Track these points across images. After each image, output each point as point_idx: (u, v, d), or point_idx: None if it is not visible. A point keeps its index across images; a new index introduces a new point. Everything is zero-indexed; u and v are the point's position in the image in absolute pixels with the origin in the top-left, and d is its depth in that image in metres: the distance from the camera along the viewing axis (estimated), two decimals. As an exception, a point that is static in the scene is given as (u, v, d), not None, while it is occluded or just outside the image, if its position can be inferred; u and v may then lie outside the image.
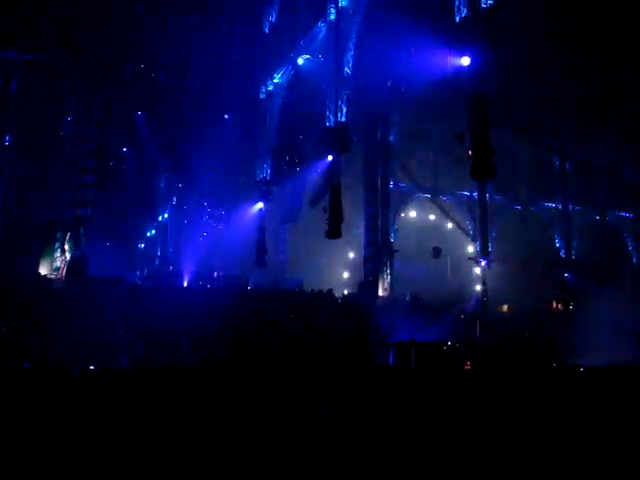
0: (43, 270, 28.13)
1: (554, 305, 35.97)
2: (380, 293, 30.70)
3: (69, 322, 24.24)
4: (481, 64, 17.92)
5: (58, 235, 28.71)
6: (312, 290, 30.01)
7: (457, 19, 19.08)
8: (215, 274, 32.66)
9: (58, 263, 28.30)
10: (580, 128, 33.35)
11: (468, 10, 18.36)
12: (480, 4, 17.94)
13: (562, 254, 37.75)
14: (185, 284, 31.05)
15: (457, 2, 18.79)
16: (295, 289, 31.42)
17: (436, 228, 38.64)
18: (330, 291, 29.99)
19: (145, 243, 37.24)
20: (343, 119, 24.95)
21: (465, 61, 18.52)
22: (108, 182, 32.07)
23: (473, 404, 8.76)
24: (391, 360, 26.12)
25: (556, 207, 38.99)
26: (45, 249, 28.48)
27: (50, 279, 27.42)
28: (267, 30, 32.52)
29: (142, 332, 24.38)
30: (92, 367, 13.86)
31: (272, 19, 31.73)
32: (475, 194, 36.10)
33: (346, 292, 33.16)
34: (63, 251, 28.59)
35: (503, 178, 32.01)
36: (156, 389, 9.80)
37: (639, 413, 7.64)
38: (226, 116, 34.57)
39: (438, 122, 31.24)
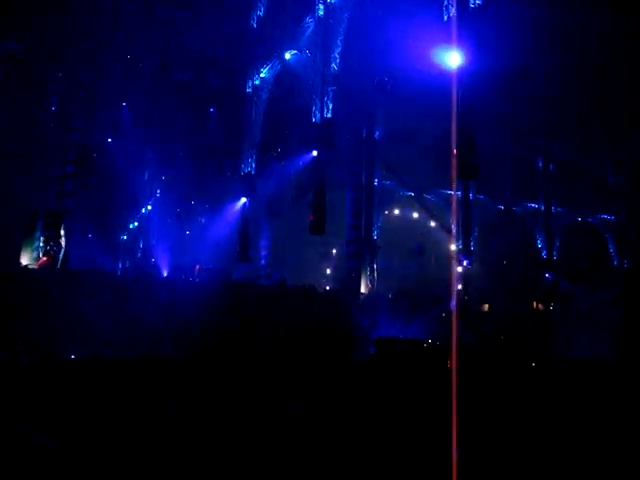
0: (24, 260, 27.91)
1: (534, 305, 36.16)
2: (363, 290, 30.72)
3: (49, 313, 24.14)
4: (469, 64, 17.97)
5: (40, 226, 28.47)
6: (295, 286, 30.01)
7: (445, 18, 19.13)
8: (197, 267, 32.57)
9: (39, 254, 28.08)
10: (564, 130, 33.57)
11: (456, 9, 18.39)
12: (468, 3, 17.99)
13: (544, 254, 37.96)
14: (165, 275, 30.97)
15: (445, 1, 18.82)
16: (277, 284, 31.40)
17: (420, 226, 38.74)
18: (312, 287, 30.00)
19: (127, 235, 37.02)
20: (329, 115, 24.93)
21: (454, 60, 18.57)
22: (91, 173, 31.84)
23: (453, 399, 8.79)
24: (372, 356, 26.20)
25: (539, 208, 39.22)
26: (26, 240, 28.23)
27: (31, 270, 27.19)
28: (255, 24, 32.38)
29: (123, 324, 24.31)
30: (73, 357, 13.77)
31: (260, 13, 31.60)
32: (459, 193, 36.21)
33: (328, 288, 33.16)
34: (45, 242, 28.36)
35: (487, 178, 32.23)
36: (132, 378, 9.75)
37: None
38: (211, 109, 34.41)
39: (424, 120, 31.28)
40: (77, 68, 29.44)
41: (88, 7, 28.65)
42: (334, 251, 38.48)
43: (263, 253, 37.31)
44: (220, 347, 23.19)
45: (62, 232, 28.01)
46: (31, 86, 30.15)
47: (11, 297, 23.96)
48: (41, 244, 28.22)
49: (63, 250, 28.01)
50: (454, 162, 18.06)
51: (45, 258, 27.91)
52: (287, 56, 29.98)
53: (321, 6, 25.76)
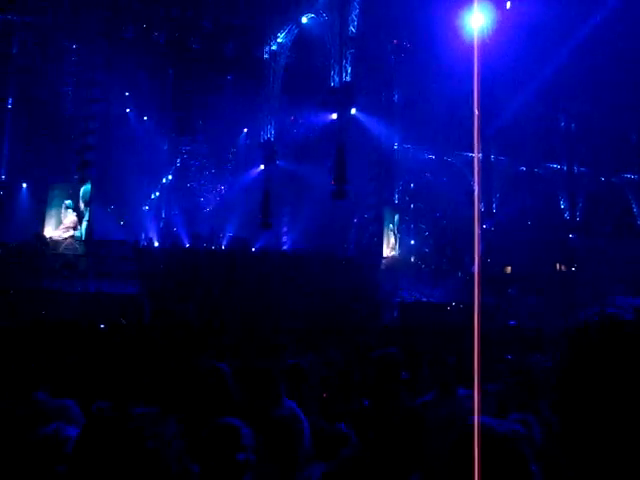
0: (48, 232, 28.17)
1: (557, 266, 36.04)
2: (385, 254, 30.71)
3: (70, 284, 24.50)
4: (491, 24, 17.74)
5: (61, 197, 28.66)
6: (317, 252, 30.10)
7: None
8: (220, 235, 32.76)
9: (61, 225, 28.29)
10: (585, 88, 33.08)
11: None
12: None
13: (566, 216, 37.62)
14: (188, 245, 31.18)
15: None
16: (299, 250, 31.55)
17: (441, 189, 38.51)
18: (334, 252, 30.09)
19: (149, 205, 37.19)
20: (348, 78, 24.77)
21: (476, 20, 18.32)
22: (111, 144, 31.94)
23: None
24: (395, 320, 26.31)
25: (561, 168, 38.78)
26: (49, 211, 28.46)
27: (55, 241, 27.44)
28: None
29: (148, 293, 24.59)
30: (102, 325, 13.92)
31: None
32: (480, 155, 35.89)
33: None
34: (66, 213, 28.58)
35: (508, 139, 31.91)
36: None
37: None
38: (229, 77, 34.24)
39: (444, 82, 30.94)
40: (94, 38, 29.37)
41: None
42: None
43: (284, 220, 37.38)
44: (244, 313, 23.39)
45: (83, 203, 28.14)
46: (49, 57, 30.19)
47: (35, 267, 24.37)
48: (64, 214, 28.39)
49: (86, 221, 28.20)
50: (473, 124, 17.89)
51: (68, 225, 28.05)
52: (304, 20, 29.72)
53: (337, -33, 25.47)
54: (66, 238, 27.27)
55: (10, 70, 31.11)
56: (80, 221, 27.89)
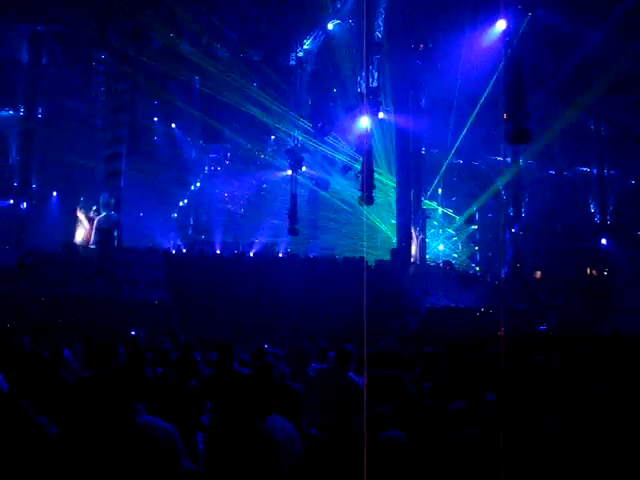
0: (78, 238, 28.54)
1: (588, 271, 35.64)
2: (412, 259, 30.59)
3: (99, 291, 24.73)
4: (516, 26, 17.61)
5: (90, 206, 28.99)
6: (344, 257, 30.06)
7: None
8: (244, 243, 32.91)
9: (90, 232, 28.60)
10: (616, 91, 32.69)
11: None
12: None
13: (597, 219, 37.16)
14: (218, 252, 31.30)
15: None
16: (325, 256, 31.53)
17: (470, 193, 38.36)
18: (361, 258, 30.03)
19: (178, 213, 37.52)
20: (374, 84, 24.75)
21: (500, 25, 18.25)
22: (139, 152, 32.24)
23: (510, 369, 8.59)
24: (424, 326, 26.16)
25: (591, 171, 38.32)
26: (79, 219, 28.80)
27: (84, 248, 27.74)
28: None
29: (177, 301, 24.72)
30: (133, 332, 14.02)
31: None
32: (508, 159, 35.65)
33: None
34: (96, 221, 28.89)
35: (537, 142, 31.63)
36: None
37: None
38: (255, 84, 34.37)
39: (471, 87, 30.80)
40: (121, 47, 29.65)
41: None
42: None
43: (313, 225, 37.48)
44: (271, 319, 23.42)
45: (114, 212, 28.42)
46: (77, 66, 30.56)
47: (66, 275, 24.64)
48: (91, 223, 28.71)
49: (117, 228, 28.49)
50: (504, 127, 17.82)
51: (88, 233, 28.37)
52: (330, 26, 29.79)
53: (363, -27, 25.48)
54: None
55: (39, 80, 31.56)
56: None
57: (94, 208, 28.51)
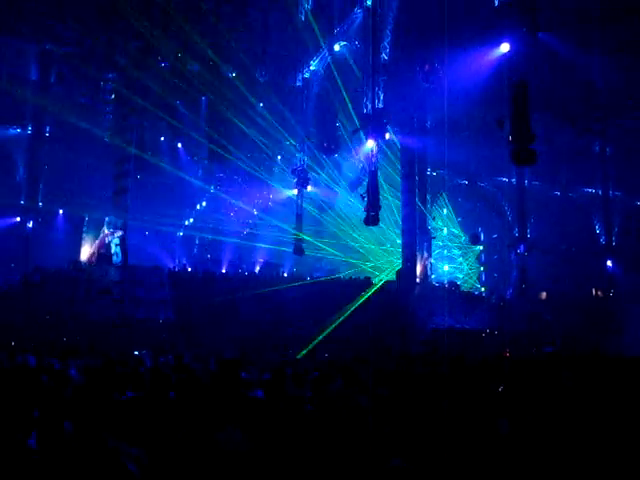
0: (84, 256, 28.65)
1: (594, 292, 35.53)
2: (418, 280, 30.59)
3: (105, 310, 24.77)
4: (521, 50, 17.73)
5: (97, 223, 29.11)
6: (350, 277, 30.09)
7: (496, 3, 18.91)
8: (255, 261, 32.98)
9: (95, 250, 28.70)
10: (620, 112, 32.80)
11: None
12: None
13: (602, 240, 37.10)
14: (223, 271, 31.36)
15: (496, -15, 18.60)
16: (331, 276, 31.57)
17: (474, 214, 38.42)
18: (368, 278, 30.06)
19: (183, 231, 37.62)
20: (380, 105, 24.85)
21: (504, 47, 18.39)
22: (146, 171, 32.40)
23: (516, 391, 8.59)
24: (427, 347, 26.08)
25: (596, 192, 38.30)
26: (85, 237, 28.92)
27: (90, 266, 27.82)
28: (303, 18, 32.36)
29: (182, 320, 24.72)
30: (136, 352, 14.03)
31: (308, 6, 31.54)
32: (513, 180, 35.72)
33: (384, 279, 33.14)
34: (102, 239, 28.99)
35: (541, 163, 31.66)
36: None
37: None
38: (261, 104, 34.54)
39: (476, 108, 30.93)
40: (129, 67, 29.87)
41: (137, 7, 28.98)
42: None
43: (320, 245, 37.49)
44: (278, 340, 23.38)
45: (120, 231, 28.51)
46: (85, 86, 30.76)
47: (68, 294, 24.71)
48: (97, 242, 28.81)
49: (121, 247, 28.57)
50: (509, 148, 17.90)
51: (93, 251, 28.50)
52: (336, 47, 30.01)
53: (369, -5, 25.64)
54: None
55: (47, 99, 31.78)
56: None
57: (102, 227, 28.65)
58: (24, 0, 28.63)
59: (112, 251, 28.01)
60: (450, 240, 38.25)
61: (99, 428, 4.40)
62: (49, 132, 32.95)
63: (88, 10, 28.82)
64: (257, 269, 31.89)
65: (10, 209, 32.18)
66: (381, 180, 26.27)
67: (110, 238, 28.18)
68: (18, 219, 32.19)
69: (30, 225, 31.81)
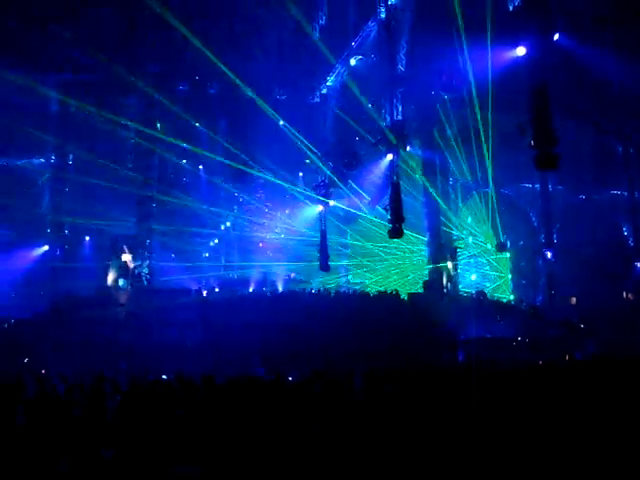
0: (110, 281, 28.79)
1: (624, 295, 35.02)
2: (445, 290, 30.36)
3: (134, 333, 24.82)
4: (538, 53, 17.60)
5: (122, 249, 29.24)
6: (377, 292, 29.94)
7: (510, 8, 18.81)
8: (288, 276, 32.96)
9: (123, 275, 28.84)
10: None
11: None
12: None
13: (631, 242, 36.58)
14: (251, 290, 31.35)
15: (511, -10, 18.52)
16: (358, 291, 31.44)
17: (498, 221, 38.10)
18: (396, 291, 29.89)
19: (209, 252, 37.71)
20: (399, 117, 24.80)
21: (520, 51, 18.28)
22: (169, 195, 32.55)
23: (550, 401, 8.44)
24: (460, 358, 25.84)
25: (622, 194, 37.80)
26: (112, 262, 29.08)
27: (117, 291, 27.95)
28: (318, 34, 32.47)
29: (210, 342, 24.65)
30: (164, 377, 13.99)
31: (322, 22, 31.64)
32: (537, 186, 35.40)
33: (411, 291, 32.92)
34: (127, 264, 29.14)
35: (565, 167, 31.35)
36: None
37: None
38: (281, 122, 34.66)
39: (496, 114, 30.75)
40: (149, 92, 30.14)
41: (155, 31, 29.28)
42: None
43: (343, 261, 37.42)
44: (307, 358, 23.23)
45: (146, 252, 28.69)
46: (105, 112, 31.02)
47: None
48: (124, 267, 28.96)
49: (147, 269, 28.73)
50: (531, 153, 17.74)
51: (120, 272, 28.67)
52: (352, 62, 30.04)
53: (382, 8, 25.62)
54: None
55: (69, 127, 32.14)
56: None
57: (127, 252, 28.82)
58: (42, 31, 28.99)
59: (138, 274, 28.15)
60: (476, 249, 37.95)
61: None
62: (72, 160, 33.32)
63: (107, 37, 29.16)
64: (280, 287, 31.81)
65: (37, 238, 32.56)
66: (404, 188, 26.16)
67: (136, 263, 28.33)
68: (47, 247, 32.56)
69: (57, 253, 32.17)
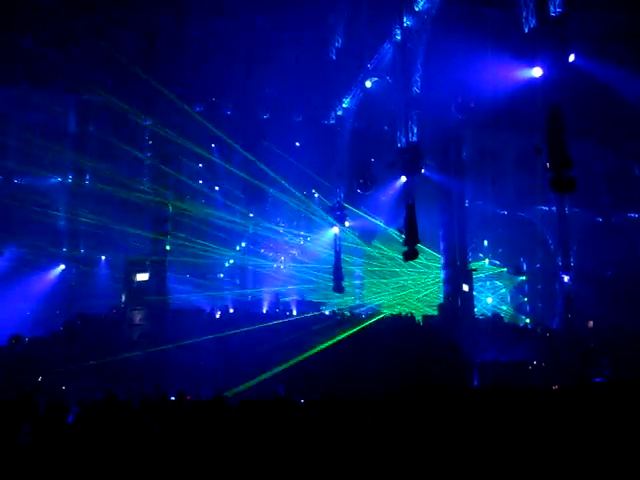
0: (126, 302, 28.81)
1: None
2: (460, 313, 30.13)
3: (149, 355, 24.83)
4: (554, 75, 17.54)
5: (138, 269, 29.28)
6: (392, 314, 29.79)
7: (526, 30, 18.78)
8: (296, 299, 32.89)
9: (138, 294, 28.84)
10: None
11: (537, 20, 18.03)
12: (549, 13, 17.57)
13: (648, 265, 36.15)
14: (265, 311, 31.27)
15: (524, 12, 18.49)
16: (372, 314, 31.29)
17: (516, 245, 37.92)
18: (411, 314, 29.72)
19: (224, 273, 37.75)
20: (414, 139, 24.76)
21: (537, 72, 18.21)
22: (185, 215, 32.65)
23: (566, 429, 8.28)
24: (475, 382, 25.63)
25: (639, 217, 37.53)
26: (126, 283, 29.14)
27: (131, 310, 27.94)
28: (334, 56, 32.63)
29: (223, 362, 24.61)
30: (172, 398, 13.94)
31: (338, 45, 31.80)
32: (554, 208, 35.17)
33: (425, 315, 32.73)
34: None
35: (581, 189, 31.20)
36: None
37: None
38: (297, 144, 34.78)
39: (512, 136, 30.71)
40: (166, 113, 30.34)
41: (172, 52, 29.53)
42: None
43: (357, 283, 37.30)
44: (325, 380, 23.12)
45: (160, 272, 28.74)
46: (122, 133, 31.22)
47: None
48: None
49: (163, 289, 28.78)
50: (548, 176, 17.62)
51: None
52: (368, 84, 30.12)
53: (398, 30, 25.73)
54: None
55: (86, 148, 32.40)
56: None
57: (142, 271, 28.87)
58: (61, 52, 29.31)
59: (153, 295, 28.18)
60: (492, 271, 37.74)
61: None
62: (89, 180, 33.54)
63: (125, 57, 29.42)
64: (294, 309, 31.69)
65: (53, 257, 32.73)
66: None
67: (150, 281, 28.38)
68: (63, 266, 32.71)
69: (73, 272, 32.32)
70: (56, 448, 6.80)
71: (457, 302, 29.54)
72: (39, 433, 7.29)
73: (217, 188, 36.54)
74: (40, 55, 28.75)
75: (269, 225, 37.21)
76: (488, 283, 38.02)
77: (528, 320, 36.51)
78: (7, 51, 28.78)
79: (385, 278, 36.70)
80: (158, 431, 8.12)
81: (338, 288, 31.99)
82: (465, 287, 29.93)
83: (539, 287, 37.98)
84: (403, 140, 25.10)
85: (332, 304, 33.24)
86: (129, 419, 8.71)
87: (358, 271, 37.39)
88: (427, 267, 35.44)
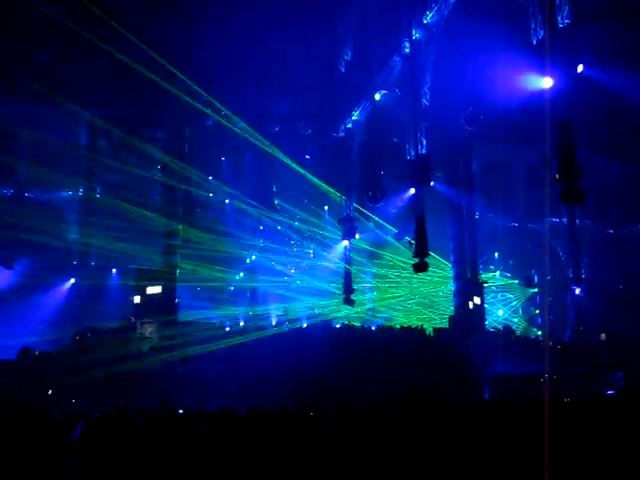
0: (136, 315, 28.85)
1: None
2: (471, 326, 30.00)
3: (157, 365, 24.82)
4: (563, 86, 17.49)
5: (148, 282, 29.33)
6: (402, 327, 29.67)
7: (534, 41, 18.78)
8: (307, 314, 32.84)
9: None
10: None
11: (545, 31, 18.03)
12: (557, 24, 17.56)
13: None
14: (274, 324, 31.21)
15: (533, 24, 18.49)
16: (383, 327, 31.19)
17: (526, 257, 37.75)
18: (421, 327, 29.62)
19: (234, 286, 37.71)
20: (423, 151, 24.75)
21: (547, 83, 18.17)
22: (195, 227, 32.70)
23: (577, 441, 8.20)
24: (486, 395, 25.44)
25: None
26: (136, 295, 29.19)
27: (141, 323, 27.99)
28: (343, 69, 32.74)
29: (233, 377, 24.55)
30: (181, 411, 13.89)
31: (347, 58, 31.90)
32: (564, 220, 35.02)
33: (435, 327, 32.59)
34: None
35: (592, 201, 31.10)
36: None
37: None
38: (307, 157, 34.84)
39: (522, 148, 30.64)
40: (176, 126, 30.48)
41: (182, 66, 29.65)
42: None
43: (367, 295, 37.19)
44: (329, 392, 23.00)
45: (170, 285, 28.77)
46: (133, 147, 31.35)
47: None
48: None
49: (173, 302, 28.80)
50: (558, 187, 17.54)
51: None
52: (377, 96, 30.17)
53: (407, 43, 25.80)
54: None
55: (97, 162, 32.53)
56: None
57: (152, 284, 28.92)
58: (73, 68, 29.51)
59: (162, 308, 28.22)
60: (503, 283, 37.57)
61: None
62: (99, 193, 33.67)
63: (136, 73, 29.59)
64: (305, 323, 31.62)
65: (64, 271, 32.81)
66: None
67: (160, 294, 28.43)
68: (73, 280, 32.79)
69: (83, 285, 32.39)
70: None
71: (468, 314, 29.42)
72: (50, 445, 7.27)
73: (227, 201, 36.61)
74: (53, 69, 28.97)
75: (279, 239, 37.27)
76: (499, 295, 37.81)
77: (539, 332, 36.29)
78: (22, 66, 29.06)
79: (397, 289, 36.60)
80: (166, 443, 8.07)
81: (348, 301, 31.91)
82: (476, 299, 29.79)
83: (550, 299, 37.78)
84: (412, 152, 25.10)
85: (342, 316, 33.18)
86: (136, 433, 8.68)
87: (369, 283, 37.27)
88: (441, 278, 35.31)
